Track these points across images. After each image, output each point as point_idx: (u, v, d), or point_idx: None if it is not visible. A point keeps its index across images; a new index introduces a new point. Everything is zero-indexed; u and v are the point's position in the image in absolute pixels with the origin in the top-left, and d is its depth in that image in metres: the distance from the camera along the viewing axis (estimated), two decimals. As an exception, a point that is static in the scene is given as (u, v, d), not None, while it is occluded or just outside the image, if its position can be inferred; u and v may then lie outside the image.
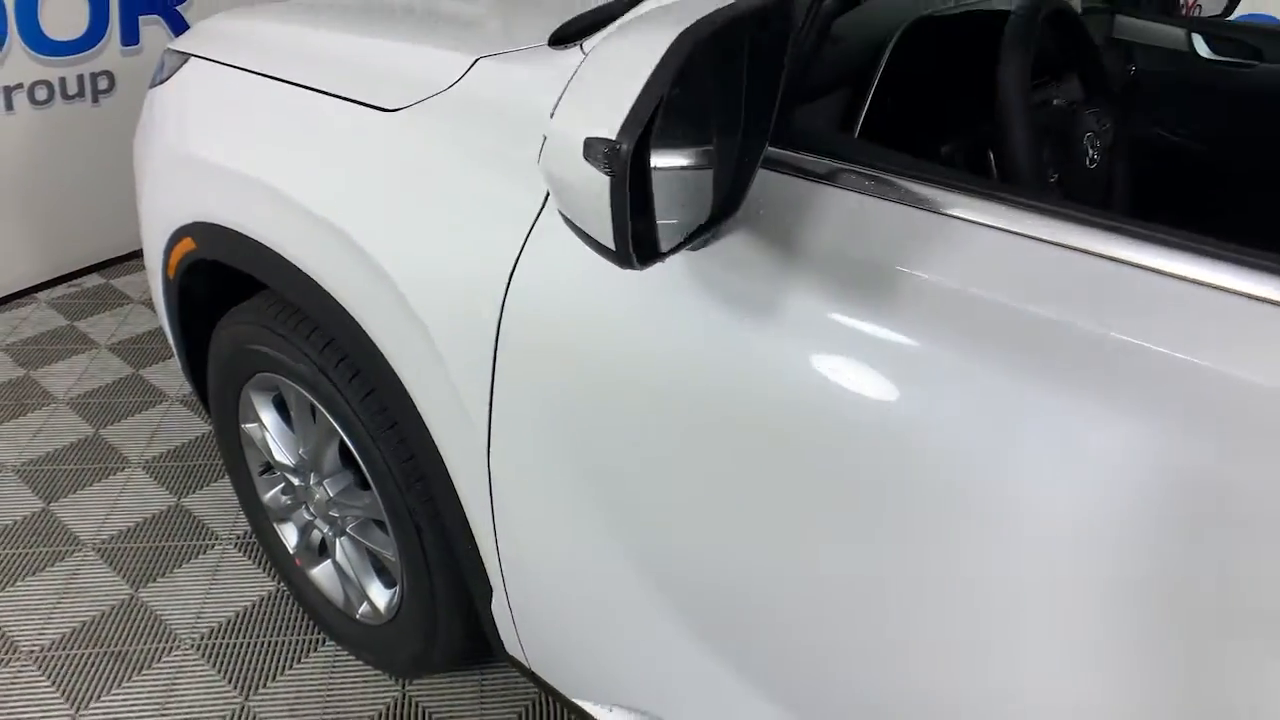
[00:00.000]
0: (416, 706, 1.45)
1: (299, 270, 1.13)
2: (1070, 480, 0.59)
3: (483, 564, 1.09)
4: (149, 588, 1.64)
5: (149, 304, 2.53)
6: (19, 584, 1.62)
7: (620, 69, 0.50)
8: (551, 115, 0.53)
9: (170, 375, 2.24)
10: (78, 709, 1.41)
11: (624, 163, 0.49)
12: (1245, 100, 1.73)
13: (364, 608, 1.43)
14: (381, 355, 1.07)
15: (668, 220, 0.56)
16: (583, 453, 0.89)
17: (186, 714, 1.41)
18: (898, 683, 0.75)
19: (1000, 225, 0.65)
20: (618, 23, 0.57)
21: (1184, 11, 2.11)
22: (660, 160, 0.51)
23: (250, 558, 1.71)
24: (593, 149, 0.49)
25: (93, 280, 2.69)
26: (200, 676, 1.47)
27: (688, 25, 0.50)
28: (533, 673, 1.14)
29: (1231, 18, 2.19)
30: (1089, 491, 0.58)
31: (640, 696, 1.00)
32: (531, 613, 1.06)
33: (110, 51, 2.52)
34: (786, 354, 0.70)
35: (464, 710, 1.45)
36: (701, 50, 0.50)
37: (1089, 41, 1.13)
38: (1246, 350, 0.55)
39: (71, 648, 1.51)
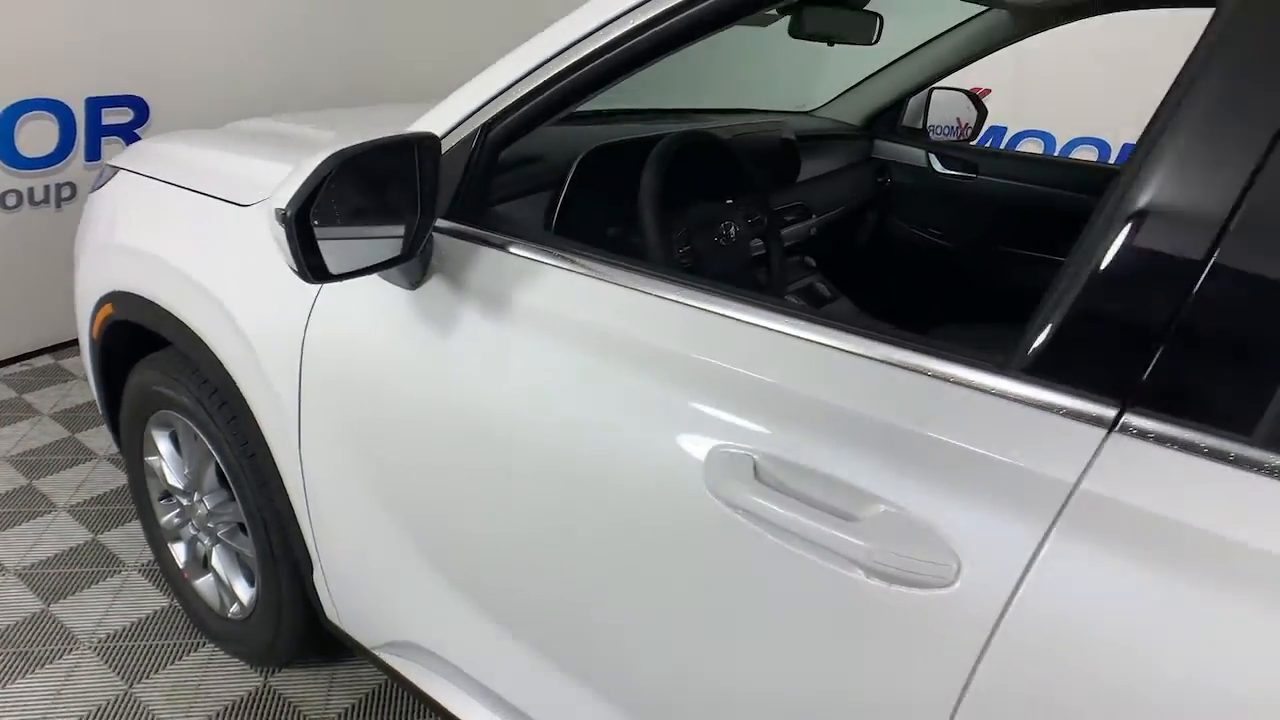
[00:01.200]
0: (274, 693, 1.74)
1: (185, 325, 1.51)
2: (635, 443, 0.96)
3: (306, 544, 1.43)
4: (59, 604, 1.93)
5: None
6: (-53, 600, 1.91)
7: (304, 172, 0.90)
8: (266, 198, 0.93)
9: (102, 438, 2.57)
10: (-14, 693, 1.69)
11: (290, 222, 0.88)
12: (965, 202, 2.21)
13: (234, 607, 1.74)
14: (239, 389, 1.44)
15: (346, 257, 0.95)
16: (355, 450, 1.25)
17: (79, 697, 1.69)
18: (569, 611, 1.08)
19: (587, 273, 1.04)
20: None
21: (958, 135, 2.61)
22: (318, 224, 0.91)
23: (150, 580, 2.01)
24: (278, 214, 0.89)
25: (44, 360, 3.04)
26: (94, 670, 1.76)
27: (339, 150, 0.91)
28: (344, 632, 1.46)
29: (1012, 133, 2.69)
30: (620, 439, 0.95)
31: (414, 635, 1.33)
32: (337, 577, 1.40)
33: (75, 165, 2.96)
34: (460, 353, 1.08)
35: (314, 695, 1.74)
36: (346, 166, 0.91)
37: (732, 162, 1.57)
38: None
39: (-14, 648, 1.79)
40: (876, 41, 1.59)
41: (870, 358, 0.81)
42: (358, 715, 1.72)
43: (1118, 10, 1.92)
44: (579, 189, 1.31)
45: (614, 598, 1.01)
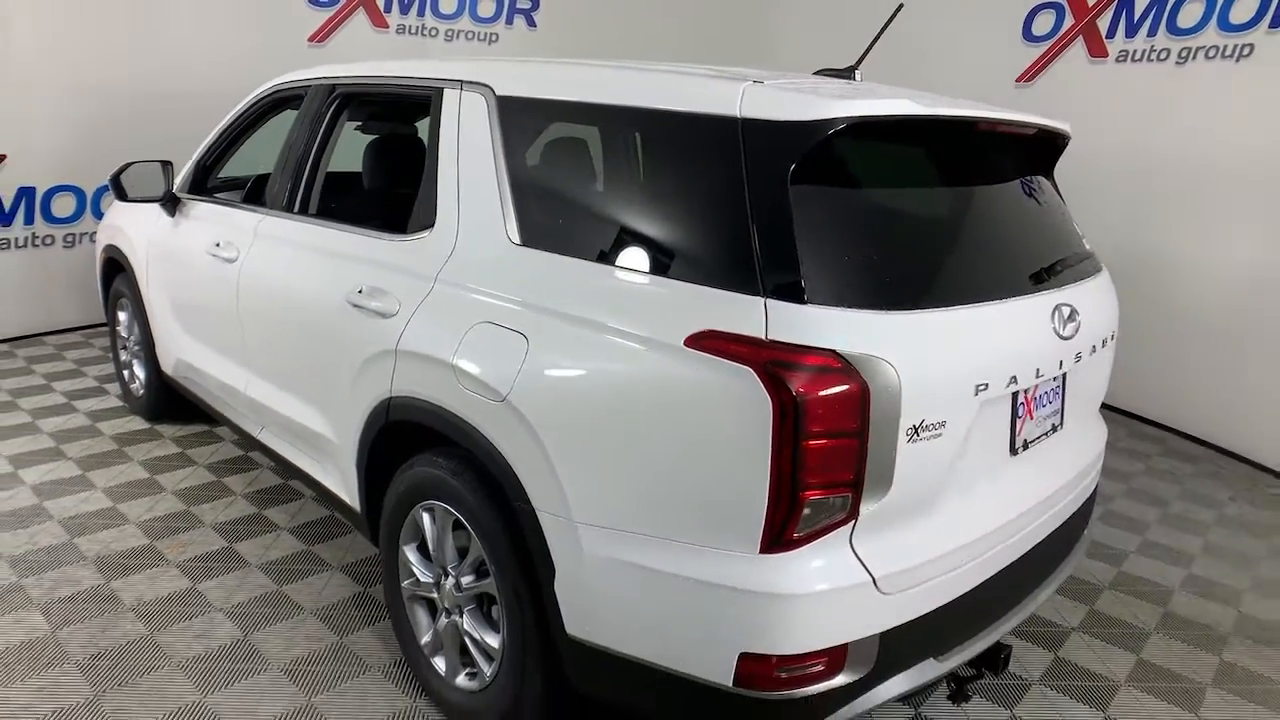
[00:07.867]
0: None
1: (118, 248, 3.72)
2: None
3: (151, 332, 3.55)
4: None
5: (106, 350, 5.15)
6: None
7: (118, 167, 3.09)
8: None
9: (103, 371, 4.79)
10: None
11: (112, 179, 3.06)
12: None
13: (142, 390, 3.87)
14: (132, 269, 3.62)
15: (138, 193, 3.11)
16: (158, 279, 3.39)
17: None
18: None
19: (231, 207, 3.16)
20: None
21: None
22: (124, 179, 3.09)
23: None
24: (110, 177, 3.06)
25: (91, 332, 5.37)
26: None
27: (130, 162, 3.07)
28: (166, 375, 3.55)
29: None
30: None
31: (180, 354, 3.38)
32: (160, 340, 3.50)
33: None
34: (184, 234, 3.22)
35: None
36: (126, 167, 3.10)
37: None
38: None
39: None
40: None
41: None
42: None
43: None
44: (253, 188, 3.48)
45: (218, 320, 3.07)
